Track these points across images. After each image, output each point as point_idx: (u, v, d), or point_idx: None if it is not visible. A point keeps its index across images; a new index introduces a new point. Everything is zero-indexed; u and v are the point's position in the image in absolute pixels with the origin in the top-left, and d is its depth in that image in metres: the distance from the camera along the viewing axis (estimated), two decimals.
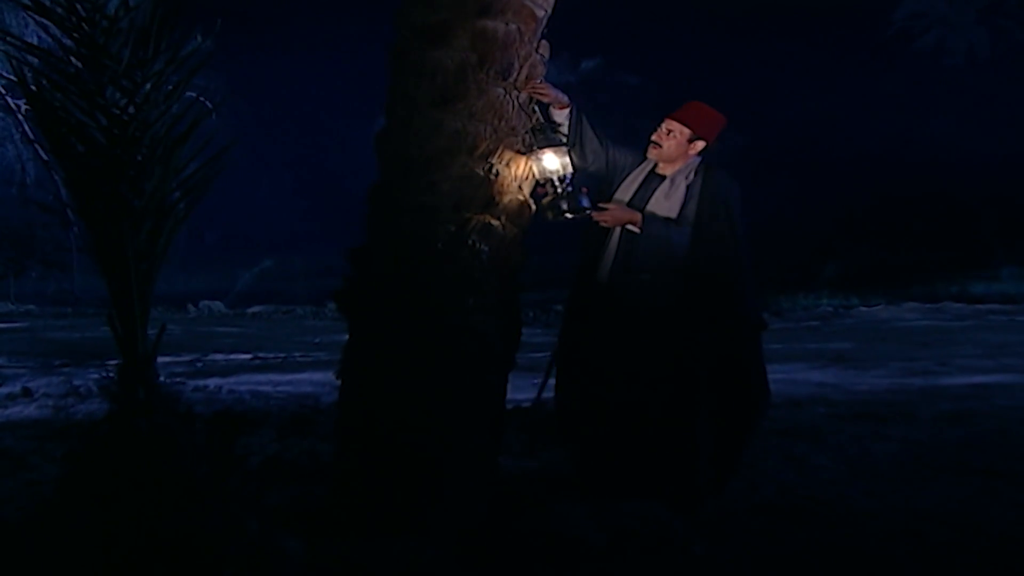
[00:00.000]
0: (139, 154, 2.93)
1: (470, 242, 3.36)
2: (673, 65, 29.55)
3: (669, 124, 3.74)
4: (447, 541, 3.21)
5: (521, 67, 3.44)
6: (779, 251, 20.52)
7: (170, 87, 3.03)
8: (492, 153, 3.40)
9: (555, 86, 3.59)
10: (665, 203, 3.73)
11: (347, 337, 3.51)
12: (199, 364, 8.45)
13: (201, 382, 6.95)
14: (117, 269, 2.94)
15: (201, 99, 4.46)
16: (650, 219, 3.69)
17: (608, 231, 3.78)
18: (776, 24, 29.16)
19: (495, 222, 3.41)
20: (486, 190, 3.40)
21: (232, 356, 9.01)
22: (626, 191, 3.79)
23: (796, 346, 10.04)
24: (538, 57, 3.52)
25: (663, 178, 3.79)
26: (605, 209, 3.69)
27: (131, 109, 2.92)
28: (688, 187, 3.74)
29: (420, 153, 3.37)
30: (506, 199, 3.45)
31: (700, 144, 3.75)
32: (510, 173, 3.46)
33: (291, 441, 4.84)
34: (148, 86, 2.93)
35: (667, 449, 3.66)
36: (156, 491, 2.82)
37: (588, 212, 3.60)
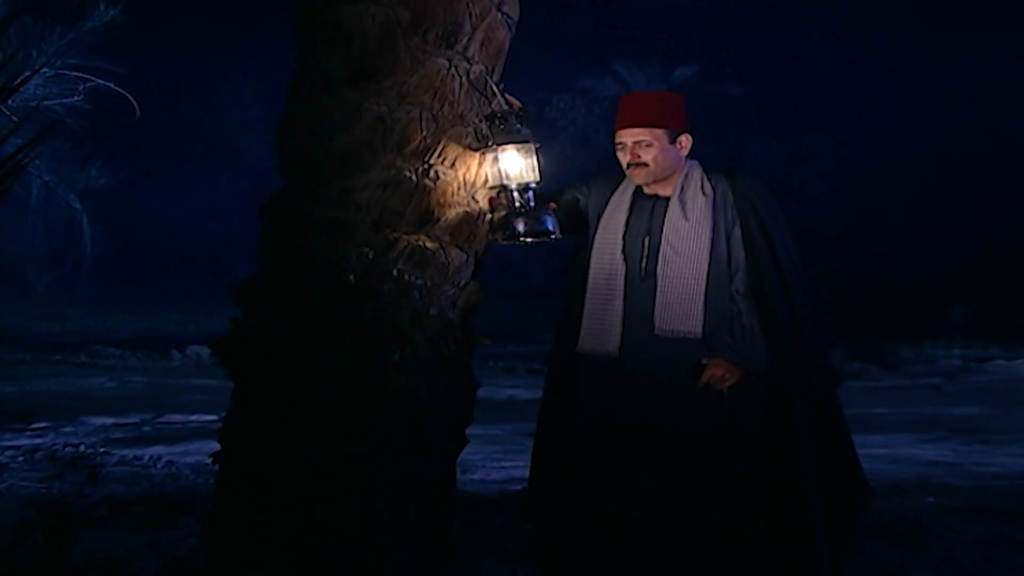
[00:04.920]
0: None
1: (396, 272, 2.83)
2: (780, 72, 29.03)
3: (634, 135, 3.21)
4: None
5: (474, 30, 2.88)
6: (900, 288, 19.76)
7: None
8: (430, 149, 2.86)
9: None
10: (688, 231, 3.18)
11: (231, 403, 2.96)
12: (146, 428, 8.01)
13: (135, 452, 6.45)
14: None
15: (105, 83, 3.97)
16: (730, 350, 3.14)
17: (605, 264, 3.21)
18: (901, 22, 28.38)
19: (432, 245, 2.86)
20: (421, 201, 2.86)
21: (193, 417, 8.51)
22: (612, 227, 3.27)
23: (907, 411, 9.53)
24: (500, 17, 2.93)
25: (661, 199, 3.27)
26: (552, 233, 3.07)
27: None
28: (714, 203, 3.19)
29: (330, 149, 2.84)
30: (450, 213, 2.90)
31: (686, 139, 3.24)
32: (456, 177, 2.92)
33: None
34: None
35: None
36: None
37: (553, 237, 3.01)
